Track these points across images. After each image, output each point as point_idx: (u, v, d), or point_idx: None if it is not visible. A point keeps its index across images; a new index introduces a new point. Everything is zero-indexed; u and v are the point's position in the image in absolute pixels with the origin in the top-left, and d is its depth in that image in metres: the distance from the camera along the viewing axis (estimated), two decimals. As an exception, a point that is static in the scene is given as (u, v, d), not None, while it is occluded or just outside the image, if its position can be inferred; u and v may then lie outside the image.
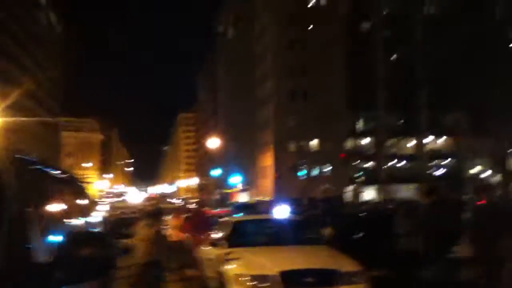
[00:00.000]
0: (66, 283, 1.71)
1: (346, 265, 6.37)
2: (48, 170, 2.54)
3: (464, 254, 7.47)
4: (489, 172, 46.77)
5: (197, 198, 59.47)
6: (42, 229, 1.88)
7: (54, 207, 2.29)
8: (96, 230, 3.21)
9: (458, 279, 7.38)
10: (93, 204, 4.82)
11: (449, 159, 51.43)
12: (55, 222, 2.29)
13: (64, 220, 2.59)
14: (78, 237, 1.80)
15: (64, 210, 2.61)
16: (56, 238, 2.04)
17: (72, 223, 2.74)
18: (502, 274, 7.13)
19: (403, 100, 43.97)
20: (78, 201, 3.13)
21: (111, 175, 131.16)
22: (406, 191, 48.33)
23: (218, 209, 24.81)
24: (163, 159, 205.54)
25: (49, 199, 2.35)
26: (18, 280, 1.51)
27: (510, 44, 27.39)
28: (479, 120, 27.56)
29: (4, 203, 1.65)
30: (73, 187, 3.07)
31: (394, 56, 49.63)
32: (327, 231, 7.95)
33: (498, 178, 34.27)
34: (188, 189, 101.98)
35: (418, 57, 43.92)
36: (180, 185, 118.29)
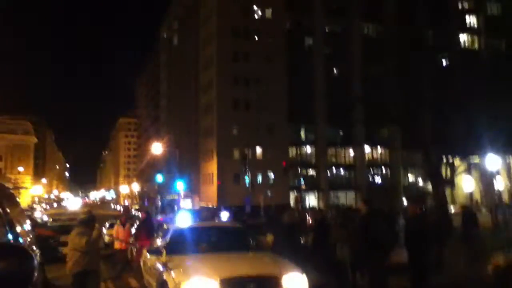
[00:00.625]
0: None
1: (286, 270, 6.40)
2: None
3: (398, 261, 7.77)
4: (421, 182, 49.39)
5: (138, 205, 57.90)
6: None
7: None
8: (19, 240, 2.96)
9: (389, 286, 7.64)
10: (21, 212, 4.49)
11: (385, 169, 53.76)
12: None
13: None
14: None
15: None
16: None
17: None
18: (433, 279, 7.48)
19: (343, 113, 45.55)
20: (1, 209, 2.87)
21: (45, 181, 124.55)
22: (345, 198, 50.01)
23: (160, 216, 24.20)
24: (101, 164, 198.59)
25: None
26: None
27: (440, 59, 29.17)
28: (412, 134, 29.03)
29: None
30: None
31: (334, 71, 51.55)
32: (268, 238, 7.98)
33: (429, 187, 36.25)
34: (129, 195, 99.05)
35: (357, 73, 45.87)
36: (120, 191, 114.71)
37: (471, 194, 43.25)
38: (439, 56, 29.69)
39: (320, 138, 50.88)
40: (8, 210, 3.06)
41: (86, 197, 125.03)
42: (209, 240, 7.83)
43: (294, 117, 48.25)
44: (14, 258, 1.51)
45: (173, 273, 6.39)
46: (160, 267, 7.06)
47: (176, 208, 49.36)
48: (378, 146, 53.24)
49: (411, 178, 53.34)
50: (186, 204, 54.74)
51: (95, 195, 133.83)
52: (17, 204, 3.86)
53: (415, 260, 7.42)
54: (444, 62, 31.67)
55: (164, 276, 6.59)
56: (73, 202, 70.80)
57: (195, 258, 6.88)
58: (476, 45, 54.44)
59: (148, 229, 10.98)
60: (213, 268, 6.41)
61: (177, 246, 7.35)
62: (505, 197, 39.08)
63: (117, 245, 11.15)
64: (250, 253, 7.34)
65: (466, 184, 39.53)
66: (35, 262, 1.59)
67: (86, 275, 5.97)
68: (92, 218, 6.78)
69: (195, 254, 7.04)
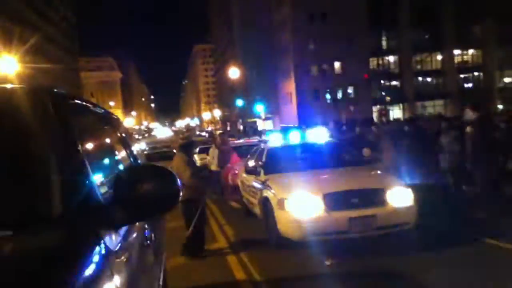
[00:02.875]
0: (127, 221, 1.57)
1: (390, 183, 6.19)
2: (88, 105, 2.30)
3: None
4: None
5: (221, 130, 59.98)
6: (95, 166, 1.69)
7: (103, 143, 2.11)
8: (139, 163, 3.05)
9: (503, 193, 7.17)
10: (133, 138, 4.65)
11: (477, 72, 49.59)
12: (106, 158, 2.12)
13: (115, 155, 2.40)
14: (139, 171, 1.60)
15: (112, 145, 2.42)
16: (110, 175, 1.86)
17: (124, 158, 2.56)
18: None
19: (427, 14, 41.76)
20: (121, 136, 2.91)
21: (134, 113, 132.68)
22: (433, 108, 47.48)
23: (244, 139, 24.98)
24: (182, 93, 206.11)
25: (96, 134, 2.18)
26: (76, 223, 1.33)
27: None
28: (507, 29, 25.80)
29: (51, 143, 1.46)
30: (113, 122, 2.85)
31: None
32: (365, 152, 7.71)
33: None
34: (211, 121, 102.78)
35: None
36: (203, 118, 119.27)
37: None
38: None
39: (404, 45, 47.57)
40: (126, 136, 3.12)
41: (172, 126, 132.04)
42: (308, 157, 7.75)
43: (375, 24, 45.14)
44: (160, 179, 1.52)
45: (274, 190, 6.42)
46: (259, 185, 7.15)
47: (257, 130, 50.38)
48: (468, 47, 48.77)
49: (507, 79, 48.82)
50: (267, 125, 55.65)
51: (180, 124, 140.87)
52: (127, 130, 3.97)
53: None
54: None
55: (265, 193, 6.67)
56: (162, 132, 75.32)
57: (295, 175, 6.83)
58: None
59: (232, 152, 11.45)
60: (315, 183, 6.36)
61: (275, 164, 7.37)
62: None
63: (213, 167, 11.62)
64: (350, 168, 7.18)
65: None
66: (180, 182, 1.56)
67: (192, 201, 6.17)
68: (191, 143, 6.84)
69: (294, 172, 7.00)
